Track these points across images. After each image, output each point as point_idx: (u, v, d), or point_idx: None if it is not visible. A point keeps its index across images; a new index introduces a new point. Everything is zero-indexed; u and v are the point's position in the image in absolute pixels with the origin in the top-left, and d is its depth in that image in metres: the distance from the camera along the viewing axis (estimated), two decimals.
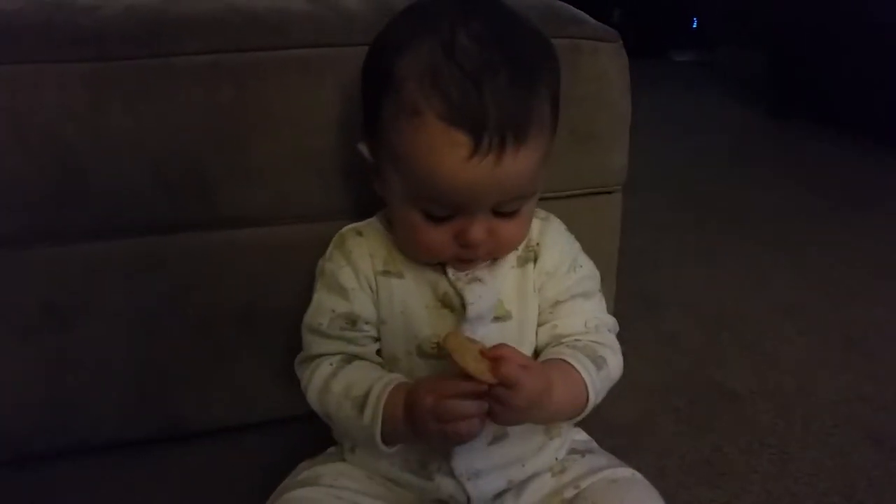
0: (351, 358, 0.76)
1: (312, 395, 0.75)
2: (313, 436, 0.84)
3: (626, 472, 0.77)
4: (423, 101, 0.63)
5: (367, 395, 0.70)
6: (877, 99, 2.37)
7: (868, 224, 1.83)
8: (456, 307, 0.74)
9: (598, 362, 0.74)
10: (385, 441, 0.69)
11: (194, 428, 0.98)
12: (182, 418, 0.97)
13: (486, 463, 0.74)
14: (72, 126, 0.81)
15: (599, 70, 0.92)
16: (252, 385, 0.97)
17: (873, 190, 2.07)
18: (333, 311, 0.75)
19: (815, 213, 1.91)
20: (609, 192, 0.99)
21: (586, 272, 0.79)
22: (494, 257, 0.74)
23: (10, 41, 0.80)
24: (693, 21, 3.86)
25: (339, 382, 0.73)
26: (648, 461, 1.00)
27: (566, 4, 0.98)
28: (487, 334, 0.72)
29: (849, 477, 0.98)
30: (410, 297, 0.74)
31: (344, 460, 0.78)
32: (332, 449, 0.81)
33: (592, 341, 0.76)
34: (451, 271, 0.74)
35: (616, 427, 1.05)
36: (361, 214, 0.88)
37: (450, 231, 0.68)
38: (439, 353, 0.71)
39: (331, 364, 0.75)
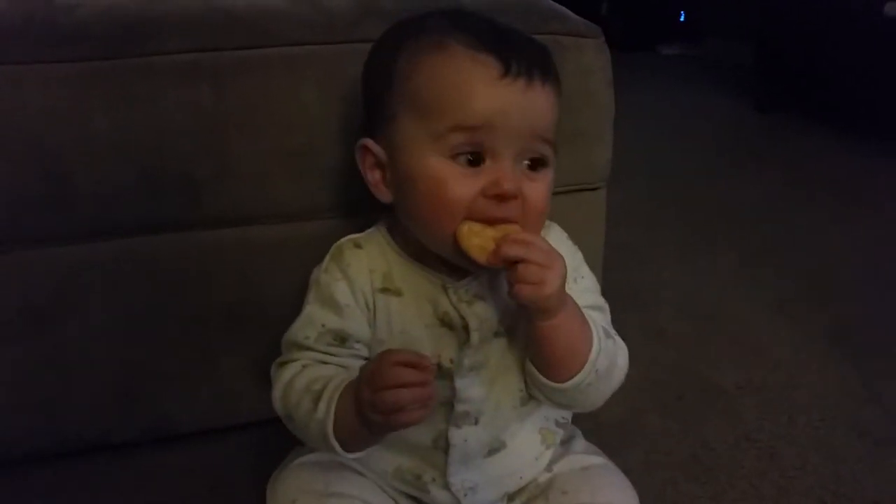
0: (326, 362, 0.72)
1: (278, 391, 0.72)
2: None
3: (599, 459, 0.77)
4: (448, 37, 0.66)
5: (324, 388, 0.67)
6: (863, 92, 2.38)
7: (854, 218, 1.84)
8: (456, 326, 0.71)
9: (607, 333, 0.73)
10: (343, 442, 0.66)
11: (181, 429, 0.98)
12: (168, 420, 0.96)
13: (482, 476, 0.73)
14: (52, 127, 0.80)
15: (582, 66, 0.92)
16: (238, 386, 0.96)
17: (860, 184, 2.07)
18: (324, 325, 0.72)
19: (802, 207, 1.91)
20: (593, 189, 0.99)
21: (588, 284, 0.77)
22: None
23: None
24: (680, 14, 3.86)
25: (304, 378, 0.70)
26: (636, 457, 1.00)
27: (549, 0, 0.98)
28: (489, 353, 0.72)
29: (835, 471, 0.99)
30: (409, 316, 0.71)
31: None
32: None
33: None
34: (451, 290, 0.71)
35: (603, 423, 1.05)
36: (345, 212, 0.89)
37: (478, 183, 0.65)
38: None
39: (303, 365, 0.71)
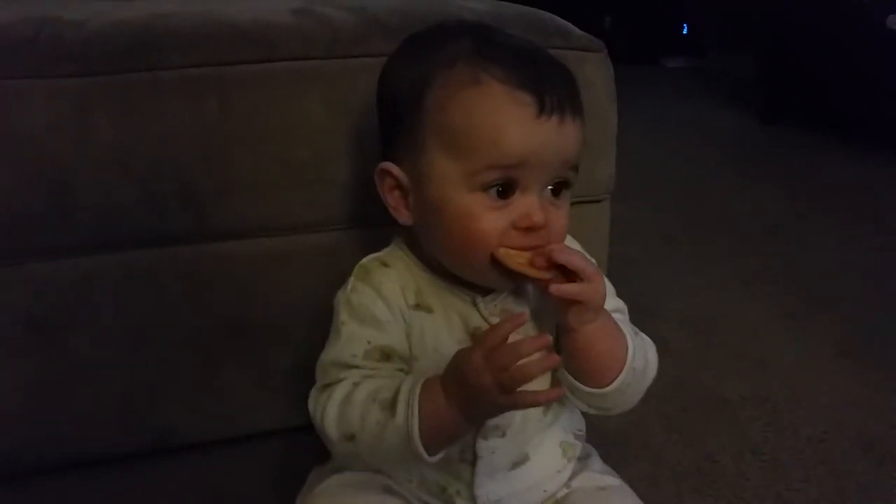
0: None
1: (331, 412, 0.68)
2: (304, 448, 0.83)
3: (615, 480, 0.77)
4: (482, 72, 0.65)
5: (397, 392, 0.64)
6: (866, 103, 2.38)
7: (859, 229, 1.84)
8: None
9: (635, 331, 0.74)
10: (426, 444, 0.63)
11: (185, 441, 0.97)
12: (172, 431, 0.96)
13: (507, 489, 0.73)
14: (58, 141, 0.80)
15: (586, 80, 0.92)
16: (242, 397, 0.96)
17: (864, 195, 2.08)
18: (369, 342, 0.70)
19: (806, 218, 1.92)
20: (597, 202, 0.99)
21: (607, 289, 0.77)
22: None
23: None
24: (684, 27, 3.87)
25: (364, 390, 0.67)
26: (640, 470, 1.00)
27: (551, 15, 0.98)
28: None
29: (839, 484, 0.99)
30: (441, 333, 0.71)
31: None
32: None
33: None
34: (481, 305, 0.71)
35: (608, 435, 1.05)
36: (348, 225, 0.89)
37: (507, 217, 0.66)
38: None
39: (354, 383, 0.68)
